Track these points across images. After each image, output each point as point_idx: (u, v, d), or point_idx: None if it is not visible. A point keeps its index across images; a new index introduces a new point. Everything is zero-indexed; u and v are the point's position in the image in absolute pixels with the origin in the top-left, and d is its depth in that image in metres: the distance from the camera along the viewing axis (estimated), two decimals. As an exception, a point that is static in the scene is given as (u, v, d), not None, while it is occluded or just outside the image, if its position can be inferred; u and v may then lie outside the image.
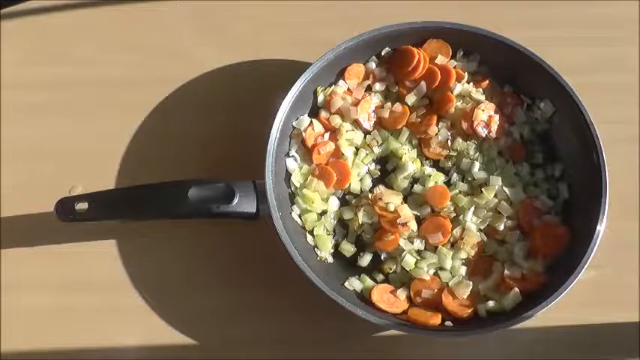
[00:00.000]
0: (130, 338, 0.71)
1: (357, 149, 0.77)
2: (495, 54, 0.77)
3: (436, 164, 0.77)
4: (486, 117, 0.75)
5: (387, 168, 0.77)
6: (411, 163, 0.75)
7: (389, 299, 0.70)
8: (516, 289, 0.69)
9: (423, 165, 0.76)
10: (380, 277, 0.72)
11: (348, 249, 0.73)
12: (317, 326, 0.72)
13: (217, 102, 0.81)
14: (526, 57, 0.75)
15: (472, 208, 0.73)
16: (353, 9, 0.84)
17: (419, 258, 0.72)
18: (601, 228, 0.69)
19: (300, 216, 0.73)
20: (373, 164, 0.77)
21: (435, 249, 0.72)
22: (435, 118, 0.76)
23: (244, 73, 0.82)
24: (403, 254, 0.71)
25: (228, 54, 0.82)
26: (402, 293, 0.70)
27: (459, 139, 0.76)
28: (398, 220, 0.71)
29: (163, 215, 0.70)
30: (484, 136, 0.75)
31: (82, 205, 0.68)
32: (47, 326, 0.72)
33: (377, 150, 0.77)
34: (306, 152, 0.76)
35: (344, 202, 0.75)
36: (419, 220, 0.73)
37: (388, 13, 0.80)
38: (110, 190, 0.72)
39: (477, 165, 0.75)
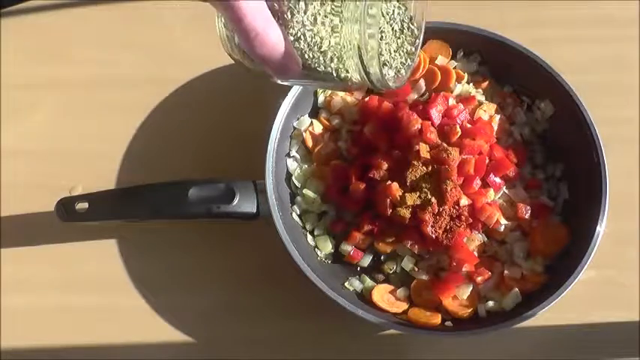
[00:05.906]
0: (130, 338, 0.71)
1: (357, 149, 0.77)
2: (495, 54, 0.77)
3: (436, 164, 0.76)
4: (487, 117, 0.75)
5: (387, 168, 0.77)
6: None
7: (389, 299, 0.70)
8: (516, 289, 0.69)
9: (423, 165, 0.76)
10: (380, 277, 0.72)
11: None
12: (317, 326, 0.72)
13: (217, 102, 0.81)
14: (526, 57, 0.75)
15: (472, 209, 0.73)
16: (353, 9, 0.84)
17: (418, 259, 0.72)
18: (601, 228, 0.69)
19: (300, 216, 0.73)
20: (373, 164, 0.77)
21: (435, 249, 0.72)
22: (435, 118, 0.76)
23: (244, 73, 0.81)
24: (403, 255, 0.71)
25: (228, 54, 0.82)
26: (402, 293, 0.70)
27: (460, 140, 0.76)
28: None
29: (163, 215, 0.69)
30: (484, 136, 0.75)
31: (82, 205, 0.68)
32: (47, 326, 0.72)
33: (377, 150, 0.77)
34: (307, 152, 0.76)
35: (344, 202, 0.75)
36: (419, 220, 0.73)
37: (388, 13, 0.80)
38: (110, 190, 0.72)
39: (477, 165, 0.75)
